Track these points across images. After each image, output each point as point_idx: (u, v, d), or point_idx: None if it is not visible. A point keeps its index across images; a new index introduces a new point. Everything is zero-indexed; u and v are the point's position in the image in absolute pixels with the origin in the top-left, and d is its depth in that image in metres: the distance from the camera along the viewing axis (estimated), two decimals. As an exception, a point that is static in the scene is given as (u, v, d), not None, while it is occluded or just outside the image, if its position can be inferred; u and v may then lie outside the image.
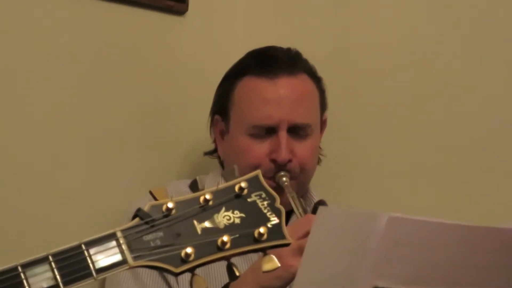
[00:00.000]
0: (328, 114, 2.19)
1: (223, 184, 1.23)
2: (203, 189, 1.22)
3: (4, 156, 2.01)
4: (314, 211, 2.05)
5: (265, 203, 1.23)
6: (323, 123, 2.17)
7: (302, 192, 2.13)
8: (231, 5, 2.54)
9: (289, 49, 2.13)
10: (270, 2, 2.55)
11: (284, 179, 2.01)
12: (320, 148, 2.18)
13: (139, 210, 1.19)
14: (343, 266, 1.46)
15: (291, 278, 1.76)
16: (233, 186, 1.23)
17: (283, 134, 2.04)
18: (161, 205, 1.20)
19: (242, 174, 1.24)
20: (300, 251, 1.70)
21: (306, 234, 1.70)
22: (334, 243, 1.48)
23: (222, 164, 2.18)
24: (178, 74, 2.39)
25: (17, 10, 2.04)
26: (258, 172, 1.25)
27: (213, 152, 2.21)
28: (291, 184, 2.01)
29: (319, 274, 1.50)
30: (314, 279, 1.51)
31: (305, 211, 1.96)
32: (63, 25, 2.13)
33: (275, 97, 2.06)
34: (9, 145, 2.02)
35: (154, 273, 1.97)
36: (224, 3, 2.53)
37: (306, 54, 2.15)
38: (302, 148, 2.06)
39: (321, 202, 2.10)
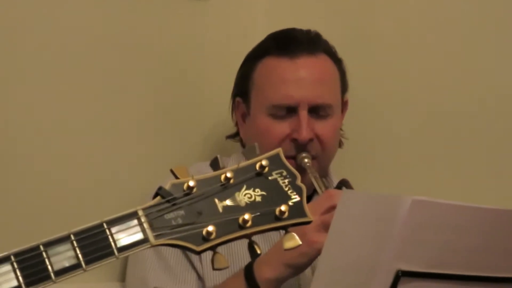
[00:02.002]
0: (350, 97, 2.19)
1: (244, 162, 1.23)
2: (224, 168, 1.22)
3: (29, 143, 2.04)
4: (339, 188, 2.04)
5: (286, 181, 1.23)
6: (344, 105, 2.17)
7: (323, 174, 2.13)
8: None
9: (309, 31, 2.13)
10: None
11: (306, 160, 2.01)
12: (341, 130, 2.19)
13: (160, 188, 1.20)
14: (366, 249, 1.47)
15: (316, 255, 1.76)
16: (254, 164, 1.23)
17: (303, 114, 2.04)
18: (183, 183, 1.20)
19: (263, 153, 1.24)
20: (324, 226, 1.72)
21: (329, 210, 1.72)
22: (357, 227, 1.49)
23: (244, 147, 2.17)
24: (201, 58, 2.39)
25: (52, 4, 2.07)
26: (279, 150, 1.25)
27: (235, 136, 2.22)
28: (313, 164, 2.02)
29: (343, 258, 1.51)
30: (337, 263, 1.52)
31: (327, 189, 1.96)
32: (90, 10, 2.15)
33: (295, 76, 2.06)
34: (39, 129, 2.06)
35: (177, 251, 1.98)
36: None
37: (327, 36, 2.14)
38: (323, 128, 2.06)
39: (344, 181, 2.08)
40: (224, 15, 2.45)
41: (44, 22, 2.08)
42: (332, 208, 1.61)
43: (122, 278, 2.13)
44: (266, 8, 2.52)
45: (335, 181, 2.15)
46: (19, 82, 2.03)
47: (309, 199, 1.30)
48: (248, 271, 1.85)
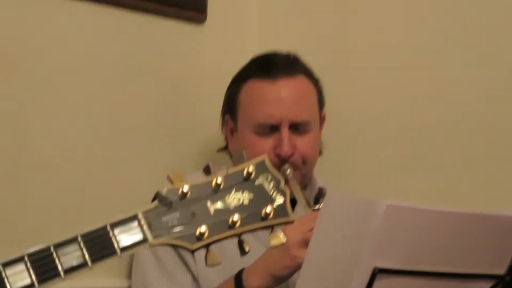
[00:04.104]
0: (329, 110, 2.18)
1: (232, 169, 1.23)
2: (215, 174, 1.22)
3: (44, 147, 2.04)
4: (316, 199, 2.04)
5: (271, 185, 1.23)
6: (322, 119, 2.16)
7: (306, 180, 2.13)
8: (245, 16, 2.54)
9: (288, 54, 2.12)
10: (281, 14, 2.54)
11: (288, 172, 1.99)
12: (321, 141, 2.18)
13: (157, 193, 1.20)
14: (346, 249, 1.46)
15: (297, 267, 1.76)
16: (242, 170, 1.23)
17: (285, 131, 2.03)
18: (177, 189, 1.20)
19: (249, 159, 1.24)
20: (305, 243, 1.71)
21: (311, 229, 1.69)
22: (338, 229, 1.48)
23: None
24: (196, 78, 2.39)
25: (60, 25, 2.07)
26: (265, 156, 1.25)
27: (224, 148, 2.21)
28: (294, 175, 2.00)
29: (325, 257, 1.51)
30: (320, 262, 1.52)
31: (308, 202, 1.95)
32: (99, 34, 2.16)
33: (276, 97, 2.05)
34: (50, 138, 2.06)
35: (175, 256, 1.99)
36: (239, 14, 2.53)
37: (310, 58, 2.14)
38: (302, 143, 2.05)
39: (322, 191, 2.08)
40: (218, 39, 2.45)
41: (64, 45, 2.08)
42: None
43: (129, 274, 2.13)
44: (257, 33, 2.53)
45: (318, 183, 2.15)
46: (37, 93, 2.04)
47: (292, 203, 1.29)
48: (238, 279, 1.87)
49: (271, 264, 1.83)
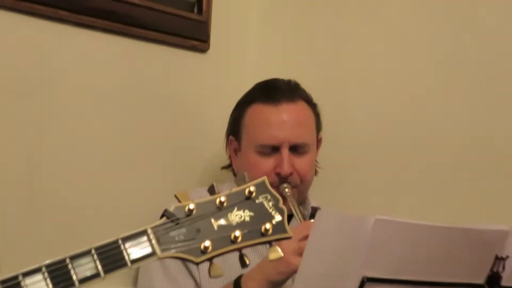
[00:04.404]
0: (324, 133, 2.19)
1: (235, 189, 1.23)
2: (218, 193, 1.23)
3: (59, 163, 2.04)
4: (311, 215, 2.04)
5: (270, 203, 1.23)
6: (318, 141, 2.16)
7: (302, 198, 2.13)
8: (244, 45, 2.55)
9: (289, 81, 2.13)
10: (276, 45, 2.55)
11: (286, 190, 2.01)
12: (316, 162, 2.18)
13: (165, 210, 1.20)
14: (337, 260, 1.45)
15: (292, 273, 1.77)
16: (244, 190, 1.23)
17: (285, 152, 2.03)
18: (184, 206, 1.20)
19: (251, 180, 1.25)
20: (299, 251, 1.72)
21: (305, 238, 1.70)
22: (330, 241, 1.47)
23: (236, 176, 2.16)
24: (200, 101, 2.40)
25: (74, 51, 2.07)
26: (265, 178, 1.25)
27: (228, 167, 2.21)
28: (292, 192, 2.01)
29: (318, 267, 1.49)
30: (314, 271, 1.50)
31: (303, 217, 1.96)
32: (110, 61, 2.16)
33: (278, 120, 2.05)
34: (65, 154, 2.05)
35: (179, 262, 1.97)
36: (238, 44, 2.53)
37: (305, 83, 2.15)
38: (301, 163, 2.05)
39: (316, 209, 2.06)
40: (220, 66, 2.46)
41: (78, 70, 2.08)
42: (308, 236, 1.62)
43: (135, 281, 2.12)
44: (255, 61, 2.54)
45: (312, 202, 2.15)
46: (53, 112, 2.03)
47: (289, 219, 1.29)
48: (237, 284, 1.86)
49: (267, 270, 1.83)
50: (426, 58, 2.32)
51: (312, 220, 1.84)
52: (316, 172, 2.18)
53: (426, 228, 1.43)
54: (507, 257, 1.45)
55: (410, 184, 2.31)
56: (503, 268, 1.46)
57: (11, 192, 1.95)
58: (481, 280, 1.47)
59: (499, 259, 1.45)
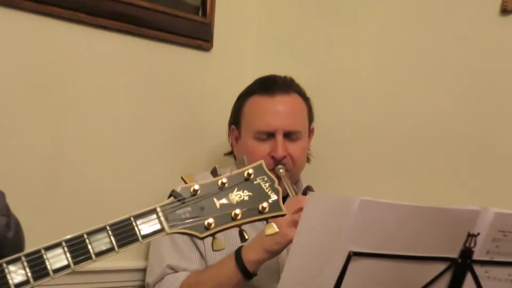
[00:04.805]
0: (316, 126, 2.18)
1: (235, 171, 1.24)
2: (221, 175, 1.23)
3: (77, 154, 2.04)
4: (303, 193, 2.04)
5: (267, 184, 1.23)
6: (310, 132, 2.16)
7: (294, 180, 2.13)
8: (245, 45, 2.54)
9: (285, 77, 2.13)
10: (274, 44, 2.54)
11: (281, 170, 2.01)
12: (309, 150, 2.18)
13: (173, 191, 1.20)
14: (327, 236, 1.45)
15: (287, 244, 1.77)
16: (243, 172, 1.23)
17: (279, 138, 2.03)
18: (189, 187, 1.20)
19: (249, 164, 1.25)
20: (293, 223, 1.71)
21: (298, 211, 1.71)
22: (320, 220, 1.47)
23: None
24: (204, 95, 2.39)
25: (89, 50, 2.07)
26: (262, 161, 1.25)
27: (230, 153, 2.21)
28: (286, 174, 2.01)
29: (310, 243, 1.49)
30: (306, 246, 1.51)
31: (296, 193, 1.97)
32: (124, 59, 2.16)
33: (273, 110, 2.05)
34: (83, 146, 2.06)
35: (185, 237, 1.97)
36: (239, 43, 2.52)
37: (297, 79, 2.15)
38: (294, 148, 2.05)
39: (309, 187, 2.09)
40: (222, 64, 2.45)
41: (93, 67, 2.08)
42: (300, 209, 1.60)
43: (146, 256, 2.13)
44: (254, 60, 2.53)
45: (304, 185, 2.15)
46: (70, 108, 2.03)
47: (284, 199, 1.29)
48: (237, 254, 1.87)
49: (265, 241, 1.82)
50: (407, 57, 2.31)
51: (304, 196, 1.85)
52: (308, 159, 2.18)
53: (406, 208, 1.43)
54: (478, 234, 1.45)
55: (392, 170, 2.31)
56: (475, 243, 1.46)
57: (38, 172, 1.95)
58: (455, 254, 1.47)
59: (471, 236, 1.45)
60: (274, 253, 1.84)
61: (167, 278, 1.98)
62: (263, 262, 1.85)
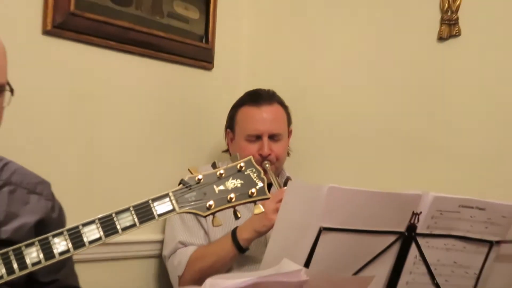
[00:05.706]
0: (294, 126, 2.18)
1: (230, 164, 1.24)
2: (219, 168, 1.23)
3: (107, 155, 2.02)
4: (285, 183, 2.04)
5: (255, 175, 1.24)
6: (289, 133, 2.16)
7: (278, 172, 2.12)
8: (238, 66, 2.52)
9: (269, 90, 2.13)
10: (261, 65, 2.52)
11: (267, 165, 2.00)
12: (289, 147, 2.17)
13: (182, 180, 1.21)
14: (302, 216, 1.43)
15: (271, 226, 1.75)
16: (236, 165, 1.24)
17: (265, 140, 2.03)
18: (195, 176, 1.21)
19: (241, 159, 1.25)
20: (276, 210, 1.71)
21: (280, 200, 1.70)
22: (297, 203, 1.45)
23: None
24: (207, 107, 2.38)
25: (115, 71, 2.04)
26: (251, 157, 1.26)
27: (226, 151, 2.20)
28: (271, 168, 2.01)
29: (289, 221, 1.48)
30: (285, 225, 1.49)
31: (280, 185, 1.96)
32: (142, 77, 2.13)
33: (260, 117, 2.05)
34: (112, 148, 2.04)
35: (193, 217, 1.97)
36: (234, 64, 2.50)
37: (280, 92, 2.15)
38: (277, 147, 2.05)
39: (288, 178, 2.09)
40: (221, 80, 2.43)
41: (118, 85, 2.06)
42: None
43: (162, 230, 2.11)
44: (246, 76, 2.51)
45: (286, 174, 2.14)
46: (103, 118, 2.02)
47: (268, 186, 1.29)
48: (233, 233, 1.88)
49: (255, 223, 1.83)
50: (365, 76, 2.31)
51: (285, 188, 1.85)
52: (288, 154, 2.18)
53: (365, 193, 1.42)
54: (421, 212, 1.45)
55: (354, 161, 2.31)
56: (418, 220, 1.45)
57: (76, 166, 1.94)
58: (403, 229, 1.47)
59: (415, 214, 1.45)
60: (261, 233, 1.84)
61: (179, 251, 1.98)
62: (253, 239, 1.86)
